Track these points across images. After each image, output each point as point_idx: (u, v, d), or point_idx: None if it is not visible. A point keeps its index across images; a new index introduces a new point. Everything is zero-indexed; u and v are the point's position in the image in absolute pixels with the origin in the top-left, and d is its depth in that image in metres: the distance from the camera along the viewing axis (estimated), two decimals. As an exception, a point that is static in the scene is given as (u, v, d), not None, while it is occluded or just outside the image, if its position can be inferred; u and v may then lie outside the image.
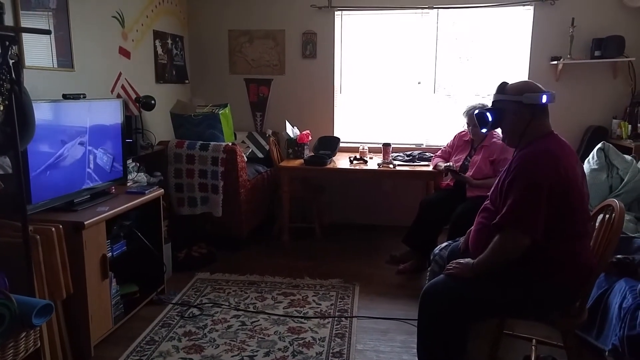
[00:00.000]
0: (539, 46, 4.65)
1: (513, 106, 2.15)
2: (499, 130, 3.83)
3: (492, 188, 2.24)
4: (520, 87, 2.16)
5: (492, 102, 2.26)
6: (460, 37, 4.86)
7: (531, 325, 2.48)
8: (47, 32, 2.69)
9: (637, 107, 4.33)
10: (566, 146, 2.13)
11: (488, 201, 2.25)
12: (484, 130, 2.31)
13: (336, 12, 4.93)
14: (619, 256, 2.66)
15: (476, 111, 2.34)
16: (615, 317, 2.40)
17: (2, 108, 2.00)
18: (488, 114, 2.23)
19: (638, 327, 2.20)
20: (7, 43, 2.02)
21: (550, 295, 2.07)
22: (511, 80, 2.24)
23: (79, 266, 2.58)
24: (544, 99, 2.10)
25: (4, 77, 2.01)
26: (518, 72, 4.69)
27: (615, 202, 2.14)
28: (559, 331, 2.24)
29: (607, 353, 2.38)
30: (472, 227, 2.35)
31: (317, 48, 5.03)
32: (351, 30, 5.02)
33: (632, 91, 4.52)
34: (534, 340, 2.57)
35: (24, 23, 2.84)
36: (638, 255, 2.77)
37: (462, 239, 2.53)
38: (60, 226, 2.47)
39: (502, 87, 2.21)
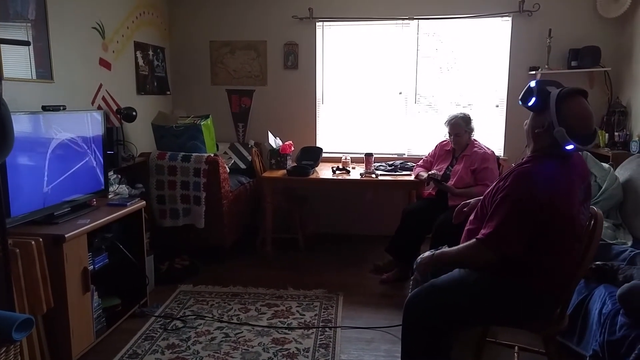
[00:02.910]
0: (518, 57, 4.73)
1: (548, 117, 2.00)
2: (480, 140, 3.93)
3: (486, 192, 2.20)
4: (572, 115, 1.97)
5: (540, 88, 2.05)
6: (440, 48, 4.93)
7: (513, 332, 2.49)
8: (27, 43, 2.67)
9: (614, 116, 4.41)
10: (576, 168, 2.07)
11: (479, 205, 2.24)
12: (529, 103, 2.08)
13: (317, 23, 4.98)
14: (598, 263, 2.69)
15: (532, 84, 2.08)
16: (596, 323, 2.43)
17: (-20, 120, 1.98)
18: (534, 98, 2.03)
19: (618, 333, 2.22)
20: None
21: (534, 304, 2.09)
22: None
23: (59, 280, 2.55)
24: (569, 147, 1.96)
25: (-18, 89, 1.99)
26: (498, 82, 4.76)
27: (594, 209, 2.16)
28: (540, 338, 2.26)
29: (587, 359, 2.40)
30: (464, 232, 2.35)
31: (298, 59, 5.06)
32: (333, 41, 5.06)
33: (609, 100, 4.60)
34: (516, 347, 2.58)
35: (2, 34, 2.80)
36: (616, 261, 2.82)
37: (445, 248, 2.53)
38: (40, 239, 2.44)
39: (557, 85, 2.04)
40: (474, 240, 2.07)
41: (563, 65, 4.62)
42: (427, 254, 2.24)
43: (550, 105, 1.99)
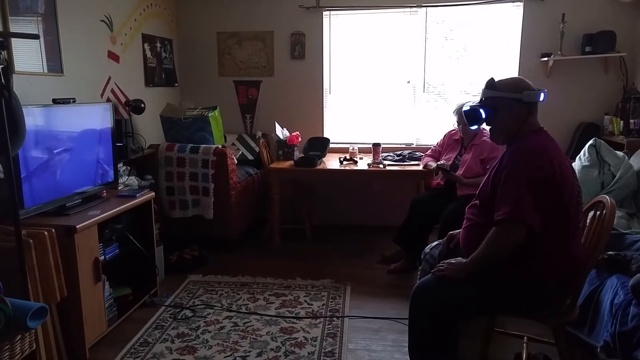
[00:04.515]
0: (529, 43, 4.65)
1: (509, 103, 2.13)
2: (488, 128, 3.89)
3: (481, 184, 2.23)
4: (516, 83, 2.16)
5: (483, 98, 2.21)
6: (449, 36, 4.90)
7: (522, 322, 2.47)
8: (36, 36, 2.70)
9: (629, 103, 4.31)
10: (554, 141, 2.15)
11: (476, 199, 2.26)
12: (473, 128, 2.31)
13: (324, 13, 4.95)
14: (610, 253, 2.65)
15: (466, 107, 2.30)
16: (607, 314, 2.39)
17: (-8, 113, 2.01)
18: (481, 110, 2.19)
19: (630, 323, 2.20)
20: (-3, 48, 2.03)
21: (541, 293, 2.08)
22: (498, 76, 2.23)
23: (72, 269, 2.60)
24: (542, 96, 2.11)
25: (-7, 83, 2.02)
26: (508, 69, 4.71)
27: (606, 198, 2.14)
28: (550, 328, 2.23)
29: (598, 349, 2.38)
30: (462, 231, 2.35)
31: (305, 49, 5.05)
32: (340, 31, 5.05)
33: (624, 87, 4.51)
34: (525, 338, 2.56)
35: (13, 28, 2.84)
36: (630, 251, 2.75)
37: (444, 240, 2.54)
38: (53, 230, 2.47)
39: (493, 83, 2.18)
40: (495, 226, 2.04)
41: (577, 51, 4.53)
42: (454, 260, 2.20)
43: (498, 96, 2.15)
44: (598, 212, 2.18)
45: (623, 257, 2.63)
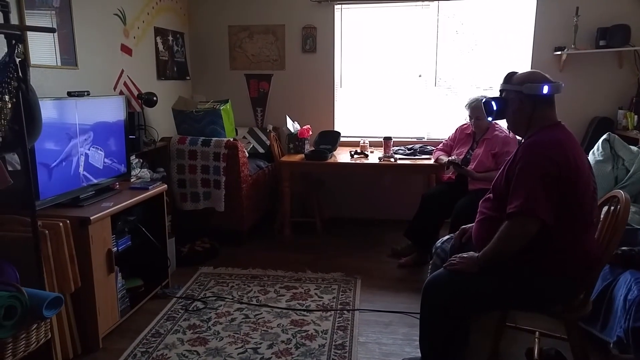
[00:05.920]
0: (542, 36, 4.61)
1: (515, 96, 2.16)
2: (501, 123, 3.88)
3: (495, 178, 2.23)
4: (524, 77, 2.16)
5: (499, 90, 2.27)
6: (461, 29, 4.87)
7: (534, 317, 2.45)
8: (52, 30, 2.72)
9: None
10: (572, 136, 2.13)
11: (490, 193, 2.26)
12: (489, 119, 2.33)
13: (336, 6, 4.94)
14: (624, 248, 2.62)
15: (484, 99, 2.35)
16: (620, 309, 2.38)
17: (9, 106, 2.04)
18: (493, 102, 2.24)
19: None
20: (14, 42, 2.05)
21: (553, 288, 2.07)
22: (518, 70, 2.24)
23: (85, 260, 2.63)
24: (545, 89, 2.09)
25: (11, 76, 2.04)
26: (521, 63, 4.67)
27: (621, 193, 2.13)
28: (562, 323, 2.22)
29: (611, 345, 2.37)
30: (475, 224, 2.35)
31: (317, 42, 5.04)
32: (351, 24, 5.03)
33: (638, 81, 4.47)
34: (537, 333, 2.55)
35: (29, 22, 2.87)
36: None
37: (456, 234, 2.54)
38: (68, 221, 2.52)
39: (509, 77, 2.21)
40: (507, 220, 2.03)
41: (591, 44, 4.48)
42: (466, 255, 2.20)
43: (508, 89, 2.19)
44: (612, 207, 2.17)
45: (637, 252, 2.60)
